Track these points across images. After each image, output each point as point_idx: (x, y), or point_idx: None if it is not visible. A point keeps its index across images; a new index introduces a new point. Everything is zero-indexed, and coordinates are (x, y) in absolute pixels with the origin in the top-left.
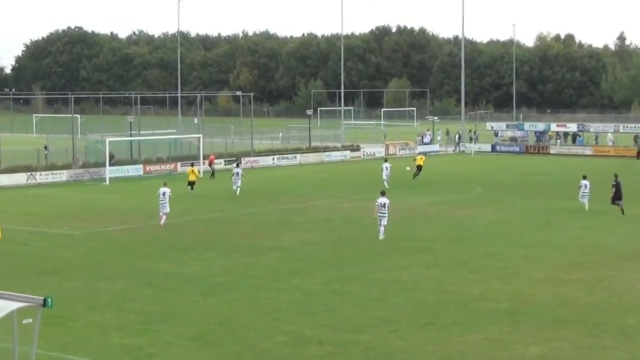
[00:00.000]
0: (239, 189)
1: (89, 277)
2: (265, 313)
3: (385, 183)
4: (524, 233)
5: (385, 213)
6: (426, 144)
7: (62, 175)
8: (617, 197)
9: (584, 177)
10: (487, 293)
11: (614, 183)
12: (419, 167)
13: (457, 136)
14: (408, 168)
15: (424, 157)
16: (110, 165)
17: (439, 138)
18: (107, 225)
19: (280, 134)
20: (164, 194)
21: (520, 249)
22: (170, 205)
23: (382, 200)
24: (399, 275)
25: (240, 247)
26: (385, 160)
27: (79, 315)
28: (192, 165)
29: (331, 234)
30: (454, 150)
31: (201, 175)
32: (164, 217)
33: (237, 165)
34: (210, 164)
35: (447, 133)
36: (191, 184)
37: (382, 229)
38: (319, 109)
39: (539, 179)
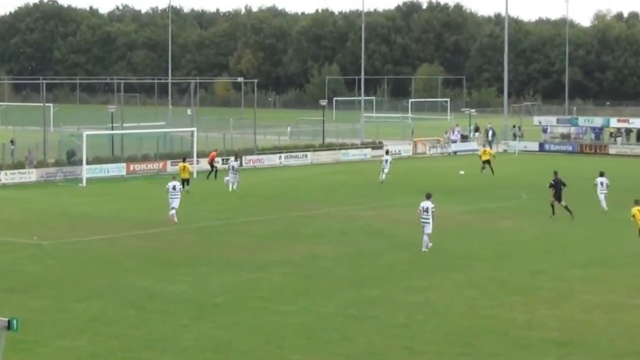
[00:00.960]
0: (235, 184)
1: (61, 295)
2: (268, 340)
3: (383, 175)
4: (577, 249)
5: (428, 219)
6: (454, 141)
7: (31, 175)
8: (558, 197)
9: (601, 174)
10: (533, 319)
11: (553, 182)
12: (487, 162)
13: (489, 132)
14: (462, 172)
15: (488, 150)
16: (70, 164)
17: (476, 134)
18: (83, 235)
19: (289, 129)
20: (174, 187)
21: (573, 267)
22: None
23: (426, 204)
24: (427, 297)
25: (240, 261)
26: (387, 153)
27: (49, 340)
28: (184, 160)
29: (348, 247)
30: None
31: (195, 176)
32: (174, 212)
33: (236, 159)
34: (211, 162)
35: (477, 129)
36: (185, 182)
37: (425, 237)
38: (334, 99)
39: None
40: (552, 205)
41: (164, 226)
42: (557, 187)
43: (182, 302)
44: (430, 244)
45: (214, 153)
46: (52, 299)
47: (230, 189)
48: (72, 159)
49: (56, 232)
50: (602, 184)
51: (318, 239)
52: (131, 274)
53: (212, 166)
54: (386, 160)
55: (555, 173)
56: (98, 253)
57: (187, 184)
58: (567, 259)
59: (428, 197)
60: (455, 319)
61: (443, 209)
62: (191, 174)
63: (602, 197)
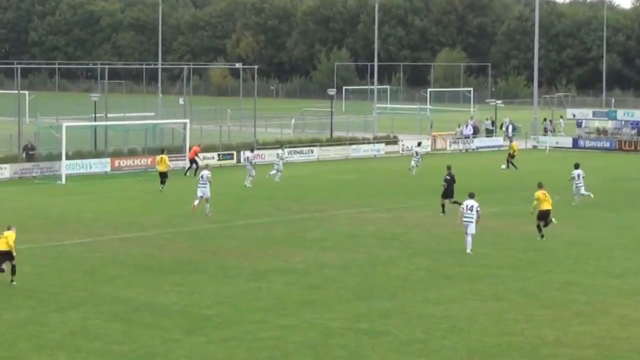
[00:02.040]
0: (278, 174)
1: (38, 306)
2: (268, 357)
3: (413, 171)
4: (614, 257)
5: (472, 218)
6: (467, 136)
7: (4, 171)
8: (447, 195)
9: (576, 166)
10: (564, 336)
11: (447, 178)
12: (512, 156)
13: (508, 127)
14: (503, 166)
15: (514, 145)
16: (27, 160)
17: (506, 129)
18: (62, 238)
19: (293, 121)
20: (202, 176)
21: (609, 278)
22: (210, 190)
23: (470, 202)
24: (447, 311)
25: (237, 269)
26: (419, 144)
27: (25, 356)
28: (163, 152)
29: (358, 255)
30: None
31: (188, 174)
32: (197, 202)
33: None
34: (192, 158)
35: (492, 124)
36: (162, 176)
37: (469, 239)
38: (344, 87)
39: (637, 186)
40: (446, 203)
41: (153, 229)
42: (450, 183)
43: (172, 314)
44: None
45: (196, 147)
46: (28, 310)
47: (277, 179)
48: (30, 153)
49: (32, 235)
50: (578, 176)
51: (325, 245)
52: (116, 283)
53: (193, 162)
54: (416, 153)
55: (449, 168)
56: (79, 259)
57: (165, 179)
58: (602, 269)
59: (471, 196)
60: (477, 335)
61: None
62: (170, 169)
63: (580, 189)
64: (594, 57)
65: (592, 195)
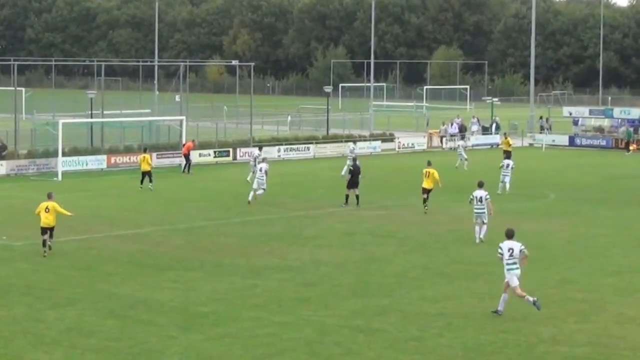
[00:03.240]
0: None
1: (34, 303)
2: (264, 354)
3: (463, 161)
4: (611, 255)
5: (483, 208)
6: (452, 135)
7: (1, 168)
8: (351, 185)
9: (507, 156)
10: (560, 334)
11: (351, 168)
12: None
13: (492, 125)
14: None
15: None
16: (0, 158)
17: (476, 128)
18: (58, 235)
19: (289, 118)
20: (260, 169)
21: (605, 275)
22: (267, 182)
23: (479, 193)
24: (443, 308)
25: (233, 266)
26: (463, 138)
27: (21, 352)
28: (145, 151)
29: (354, 252)
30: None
31: (186, 172)
32: (253, 193)
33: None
34: (186, 153)
35: (478, 121)
36: (146, 175)
37: (481, 228)
38: (340, 85)
39: (633, 183)
40: (347, 196)
41: (149, 226)
42: (355, 174)
43: (168, 311)
44: (484, 237)
45: (190, 143)
46: (24, 307)
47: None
48: (2, 154)
49: (29, 232)
50: (507, 166)
51: (320, 242)
52: (112, 280)
53: (187, 158)
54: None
55: (354, 159)
56: (75, 256)
57: (150, 177)
58: (598, 267)
59: (480, 185)
60: (473, 333)
61: (459, 209)
62: (153, 167)
63: (506, 179)
64: (591, 55)
65: (507, 189)
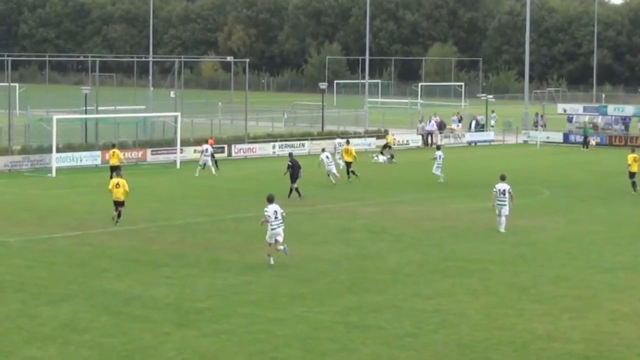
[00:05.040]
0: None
1: (28, 299)
2: (259, 351)
3: (438, 172)
4: (604, 252)
5: (505, 201)
6: (429, 132)
7: None
8: (293, 179)
9: (438, 148)
10: (555, 330)
11: (289, 164)
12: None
13: (472, 123)
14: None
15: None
16: None
17: (459, 125)
18: (52, 231)
19: (284, 114)
20: (327, 157)
21: (599, 272)
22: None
23: (502, 186)
24: (437, 305)
25: (228, 263)
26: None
27: (14, 348)
28: (114, 146)
29: (349, 248)
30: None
31: (178, 166)
32: (332, 177)
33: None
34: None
35: (460, 120)
36: (115, 170)
37: (502, 219)
38: (335, 81)
39: (627, 180)
40: (291, 190)
41: (143, 222)
42: (294, 168)
43: (163, 307)
44: (505, 228)
45: (211, 141)
46: (18, 303)
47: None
48: None
49: (23, 228)
50: (439, 157)
51: (315, 239)
52: (106, 276)
53: (212, 156)
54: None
55: (290, 155)
56: (69, 252)
57: (119, 171)
58: (593, 263)
59: (503, 178)
60: (468, 329)
61: (452, 207)
62: (122, 162)
63: (437, 170)
64: (585, 52)
65: (441, 180)
